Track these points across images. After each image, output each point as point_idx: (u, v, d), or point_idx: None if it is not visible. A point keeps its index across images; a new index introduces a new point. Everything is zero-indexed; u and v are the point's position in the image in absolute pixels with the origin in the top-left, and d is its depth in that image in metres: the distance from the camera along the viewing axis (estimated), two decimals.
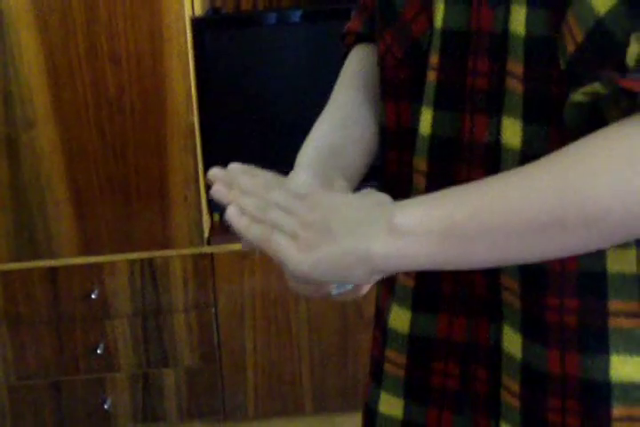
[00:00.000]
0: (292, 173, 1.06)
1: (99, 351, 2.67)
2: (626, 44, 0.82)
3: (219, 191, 0.95)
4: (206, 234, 2.60)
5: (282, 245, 0.87)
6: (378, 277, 0.88)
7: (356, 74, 1.20)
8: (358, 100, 1.16)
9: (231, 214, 0.92)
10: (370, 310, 2.36)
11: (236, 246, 2.60)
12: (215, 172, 0.97)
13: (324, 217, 0.86)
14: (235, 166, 0.98)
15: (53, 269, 2.59)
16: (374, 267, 0.85)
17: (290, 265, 0.86)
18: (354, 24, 1.23)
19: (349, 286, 0.98)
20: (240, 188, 0.93)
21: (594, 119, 0.85)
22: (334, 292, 0.98)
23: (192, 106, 2.45)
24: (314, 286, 0.99)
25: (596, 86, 0.83)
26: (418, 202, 0.87)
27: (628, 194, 0.77)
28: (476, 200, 0.83)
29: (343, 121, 1.14)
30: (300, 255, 0.86)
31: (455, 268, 0.87)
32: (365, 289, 1.02)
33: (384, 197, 0.89)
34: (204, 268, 2.63)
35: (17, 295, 2.61)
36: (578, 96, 0.85)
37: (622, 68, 0.83)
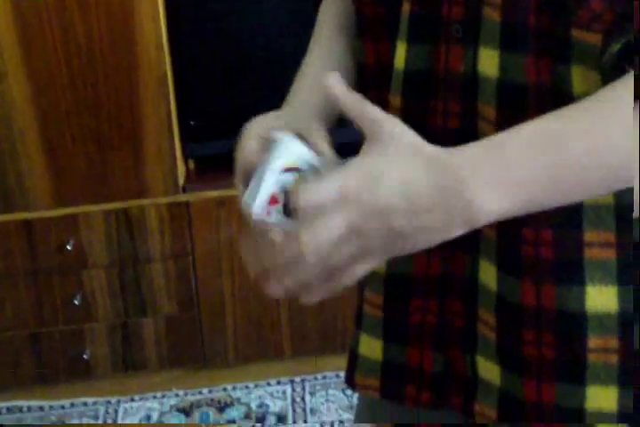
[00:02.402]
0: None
1: (76, 302, 2.67)
2: None
3: None
4: (181, 182, 2.60)
5: (360, 272, 0.87)
6: None
7: (333, 17, 1.18)
8: (339, 45, 1.15)
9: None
10: None
11: (212, 194, 2.60)
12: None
13: (384, 226, 0.83)
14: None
15: (28, 222, 2.58)
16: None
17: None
18: None
19: None
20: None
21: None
22: None
23: (164, 54, 2.43)
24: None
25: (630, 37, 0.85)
26: (493, 177, 0.82)
27: None
28: (549, 161, 0.83)
29: (329, 64, 1.13)
30: (378, 262, 0.87)
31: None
32: None
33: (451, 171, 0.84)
34: (180, 216, 2.62)
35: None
36: (615, 46, 0.86)
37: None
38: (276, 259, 0.87)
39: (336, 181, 0.83)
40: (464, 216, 0.82)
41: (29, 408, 2.79)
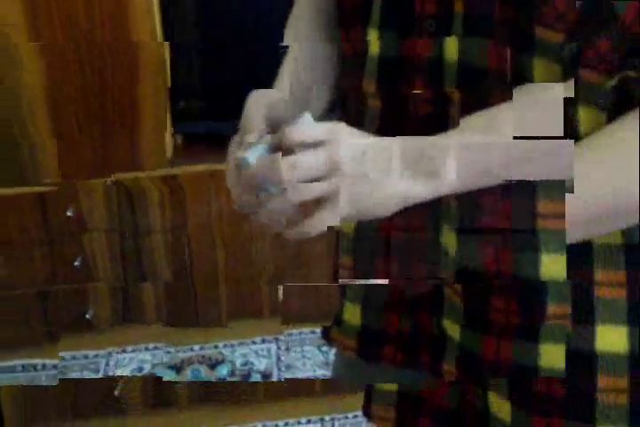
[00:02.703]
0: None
1: (76, 264, 2.78)
2: None
3: None
4: (168, 155, 2.74)
5: (328, 217, 0.92)
6: None
7: (312, 5, 1.21)
8: (319, 35, 1.19)
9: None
10: None
11: (200, 167, 2.73)
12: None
13: (358, 169, 0.89)
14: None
15: (39, 195, 2.74)
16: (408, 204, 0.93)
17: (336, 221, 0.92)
18: None
19: None
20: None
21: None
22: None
23: (162, 43, 2.59)
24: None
25: (630, 73, 0.88)
26: (453, 150, 0.91)
27: None
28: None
29: (308, 61, 1.17)
30: (345, 211, 0.91)
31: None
32: None
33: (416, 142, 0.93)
34: (174, 190, 2.75)
35: (7, 218, 2.76)
36: (612, 81, 0.89)
37: None
38: (255, 179, 0.92)
39: (327, 125, 0.92)
40: (427, 175, 0.90)
41: (44, 366, 2.83)
